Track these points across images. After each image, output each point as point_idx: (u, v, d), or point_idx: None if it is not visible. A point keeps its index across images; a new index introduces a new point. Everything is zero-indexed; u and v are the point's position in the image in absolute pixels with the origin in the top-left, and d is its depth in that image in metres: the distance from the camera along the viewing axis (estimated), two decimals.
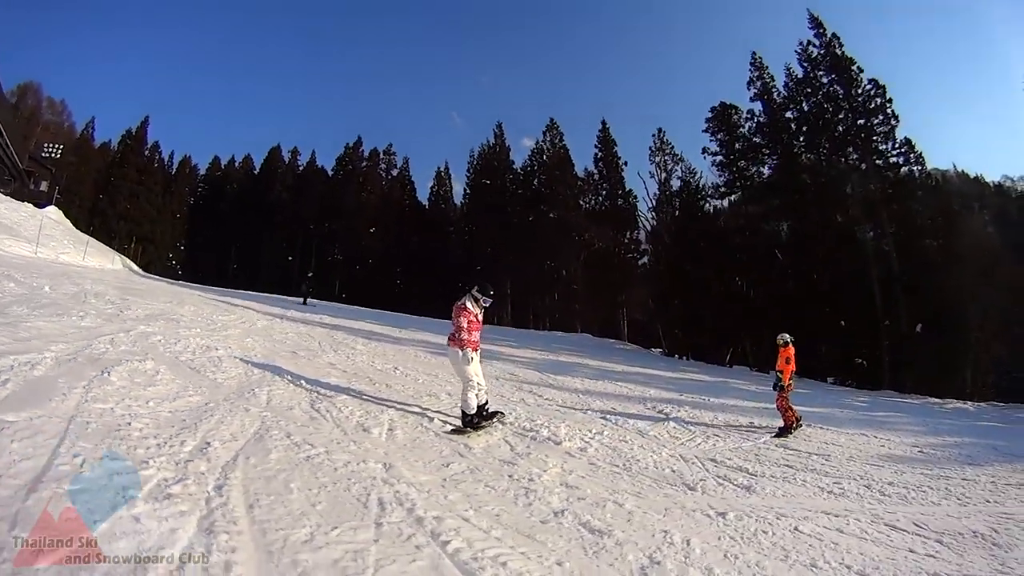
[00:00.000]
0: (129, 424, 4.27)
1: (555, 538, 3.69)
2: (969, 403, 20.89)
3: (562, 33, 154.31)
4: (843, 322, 29.79)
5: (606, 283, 47.46)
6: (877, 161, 33.15)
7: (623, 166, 53.19)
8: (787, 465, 7.00)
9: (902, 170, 33.28)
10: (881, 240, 31.47)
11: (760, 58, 40.71)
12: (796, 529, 4.61)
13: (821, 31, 37.34)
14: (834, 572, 3.88)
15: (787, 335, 9.69)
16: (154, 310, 11.94)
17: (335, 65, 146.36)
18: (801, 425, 9.37)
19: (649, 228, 45.88)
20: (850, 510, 5.40)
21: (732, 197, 40.56)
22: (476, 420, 6.39)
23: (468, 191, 64.57)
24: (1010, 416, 17.39)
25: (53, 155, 48.87)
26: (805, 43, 37.85)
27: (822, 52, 36.89)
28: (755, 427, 9.57)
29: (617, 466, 5.91)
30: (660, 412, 9.93)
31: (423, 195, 71.71)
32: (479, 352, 6.68)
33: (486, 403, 6.71)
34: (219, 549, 2.65)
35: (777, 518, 4.84)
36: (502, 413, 7.15)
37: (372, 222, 61.99)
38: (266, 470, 3.90)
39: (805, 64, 37.54)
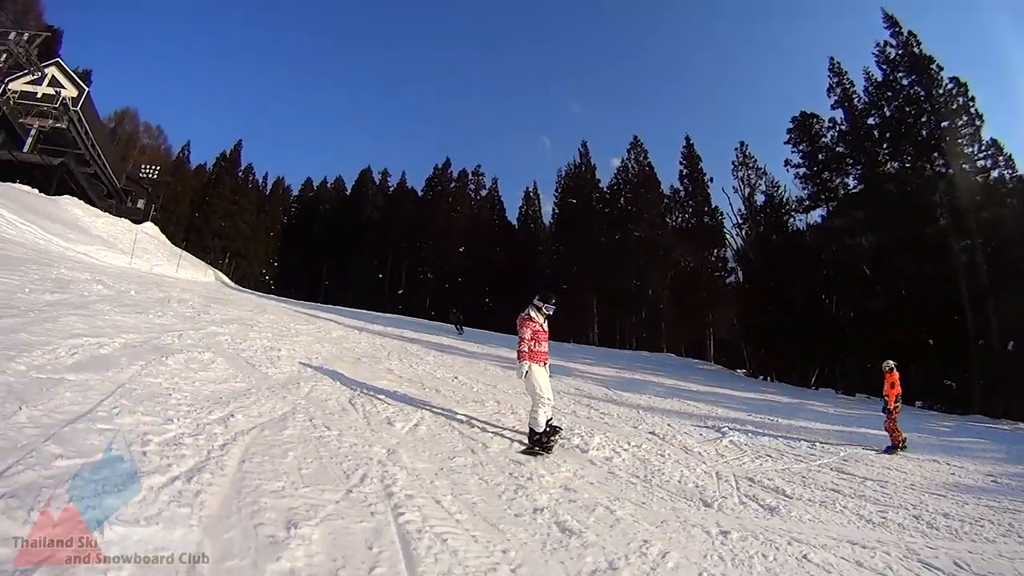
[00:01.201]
0: (170, 395, 5.07)
1: (519, 530, 3.77)
2: None
3: (646, 50, 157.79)
4: (931, 341, 28.82)
5: (692, 302, 47.77)
6: (964, 166, 32.12)
7: (708, 182, 53.46)
8: (833, 489, 6.74)
9: (992, 174, 32.19)
10: (972, 252, 30.27)
11: (839, 63, 40.40)
12: (804, 557, 4.28)
13: (897, 30, 36.64)
14: None
15: (891, 361, 11.16)
16: (231, 316, 13.21)
17: (427, 90, 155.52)
18: (906, 447, 10.34)
19: (735, 245, 45.50)
20: (884, 542, 5.03)
21: (819, 210, 40.09)
22: (544, 439, 6.31)
23: (556, 211, 66.21)
24: None
25: (150, 176, 54.29)
26: (882, 44, 37.31)
27: (900, 52, 36.22)
28: (817, 451, 9.52)
29: (637, 477, 5.90)
30: (717, 430, 10.00)
31: (512, 215, 74.36)
32: (547, 365, 6.67)
33: (551, 418, 6.63)
34: (198, 482, 3.30)
35: (789, 543, 4.51)
36: (559, 428, 6.92)
37: (461, 241, 64.50)
38: (274, 441, 4.53)
39: (884, 66, 36.93)
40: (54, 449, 3.22)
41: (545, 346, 6.65)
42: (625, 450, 7.08)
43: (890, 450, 10.12)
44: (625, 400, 12.73)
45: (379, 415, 6.41)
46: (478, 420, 7.25)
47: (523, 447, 6.23)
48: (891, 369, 11.02)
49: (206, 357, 7.20)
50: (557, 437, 6.54)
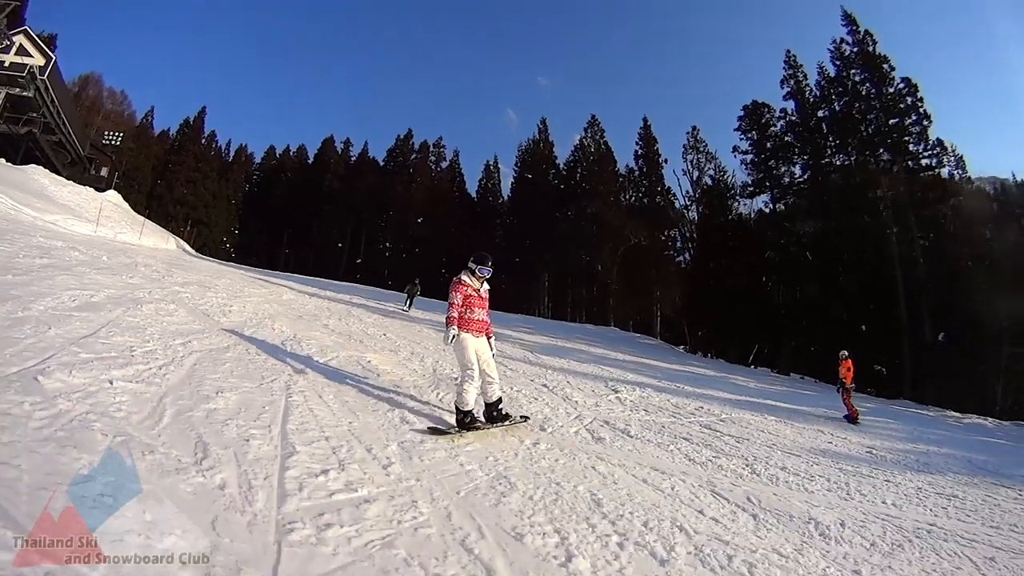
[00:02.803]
0: (145, 329, 7.17)
1: (369, 417, 5.70)
2: (990, 419, 21.11)
3: (614, 33, 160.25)
4: (863, 327, 30.85)
5: (641, 279, 50.10)
6: (909, 163, 34.19)
7: (663, 163, 56.01)
8: (683, 437, 7.72)
9: (939, 172, 34.32)
10: (910, 245, 32.23)
11: (794, 56, 42.40)
12: (592, 468, 5.37)
13: (854, 28, 38.62)
14: (574, 497, 4.50)
15: (845, 351, 14.49)
16: (191, 279, 15.18)
17: (391, 59, 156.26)
18: (859, 421, 13.26)
19: (682, 226, 48.14)
20: (689, 474, 5.84)
21: (764, 197, 42.26)
22: (470, 420, 5.89)
23: (513, 185, 69.32)
24: None
25: (113, 142, 55.07)
26: (838, 40, 39.39)
27: (855, 50, 38.26)
28: (701, 412, 10.52)
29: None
30: (613, 389, 11.34)
31: (474, 187, 77.02)
32: (486, 337, 6.31)
33: (498, 400, 6.34)
34: (165, 369, 5.54)
35: (589, 459, 5.67)
36: (526, 418, 6.82)
37: (420, 212, 66.98)
38: (218, 357, 6.68)
39: (838, 62, 39.05)
40: (76, 349, 5.36)
41: (480, 314, 6.26)
42: (505, 392, 7.45)
43: (848, 419, 13.15)
44: (541, 362, 14.13)
45: (302, 351, 8.52)
46: (385, 364, 9.13)
47: (429, 426, 5.83)
48: (845, 357, 14.23)
49: (171, 308, 9.28)
50: (508, 423, 6.34)
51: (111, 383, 4.69)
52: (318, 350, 8.94)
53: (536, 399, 8.60)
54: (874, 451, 9.67)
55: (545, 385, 10.25)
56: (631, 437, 7.17)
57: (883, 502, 6.24)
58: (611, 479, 5.17)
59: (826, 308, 32.83)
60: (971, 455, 10.83)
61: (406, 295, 25.66)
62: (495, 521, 3.70)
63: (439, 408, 6.67)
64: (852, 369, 14.24)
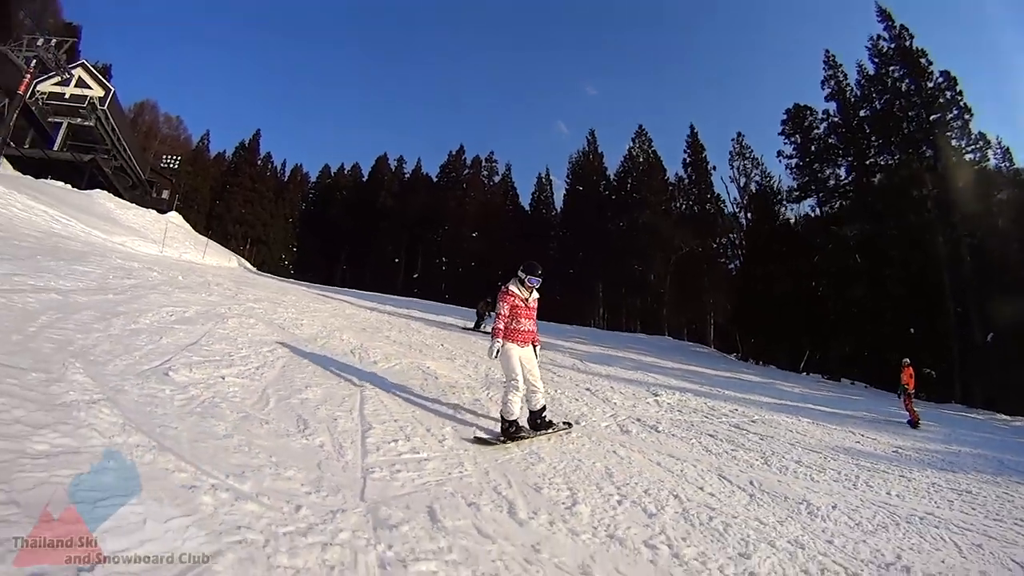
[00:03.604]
0: (235, 339, 8.59)
1: (429, 413, 7.17)
2: None
3: (656, 39, 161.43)
4: (912, 330, 30.77)
5: (694, 287, 50.65)
6: (952, 159, 33.80)
7: (712, 170, 56.61)
8: (709, 434, 8.43)
9: (984, 166, 33.89)
10: (957, 244, 31.96)
11: (833, 56, 42.52)
12: (614, 452, 6.30)
13: (890, 23, 38.62)
14: (590, 469, 5.48)
15: (906, 359, 15.69)
16: (261, 296, 16.74)
17: (442, 75, 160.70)
18: (919, 423, 14.25)
19: (732, 233, 48.53)
20: (701, 461, 6.57)
21: (810, 200, 42.36)
22: (515, 430, 6.10)
23: (565, 197, 71.31)
24: None
25: (171, 166, 58.78)
26: (875, 37, 39.42)
27: (892, 46, 38.26)
28: (735, 414, 11.11)
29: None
30: (653, 393, 12.20)
31: (526, 197, 79.39)
32: (533, 346, 6.47)
33: (542, 408, 6.51)
34: (261, 370, 6.95)
35: (613, 445, 6.59)
36: (568, 424, 7.10)
37: (474, 227, 69.23)
38: (301, 361, 8.06)
39: (876, 60, 39.06)
40: (187, 354, 6.75)
41: (527, 324, 6.37)
42: (548, 395, 8.15)
43: (911, 423, 14.16)
44: (588, 369, 14.95)
45: (369, 358, 9.85)
46: (442, 369, 10.35)
47: (476, 436, 6.03)
48: (907, 364, 15.36)
49: (250, 322, 10.75)
50: (552, 432, 6.58)
51: (223, 378, 6.09)
52: (383, 357, 10.22)
53: (576, 400, 9.49)
54: (901, 450, 10.04)
55: (588, 389, 11.12)
56: (658, 432, 7.98)
57: (887, 493, 6.69)
58: (627, 460, 6.11)
59: (875, 311, 32.92)
60: (1005, 456, 11.00)
61: (476, 314, 24.23)
62: (521, 479, 4.92)
63: (487, 404, 7.82)
64: (913, 375, 15.22)
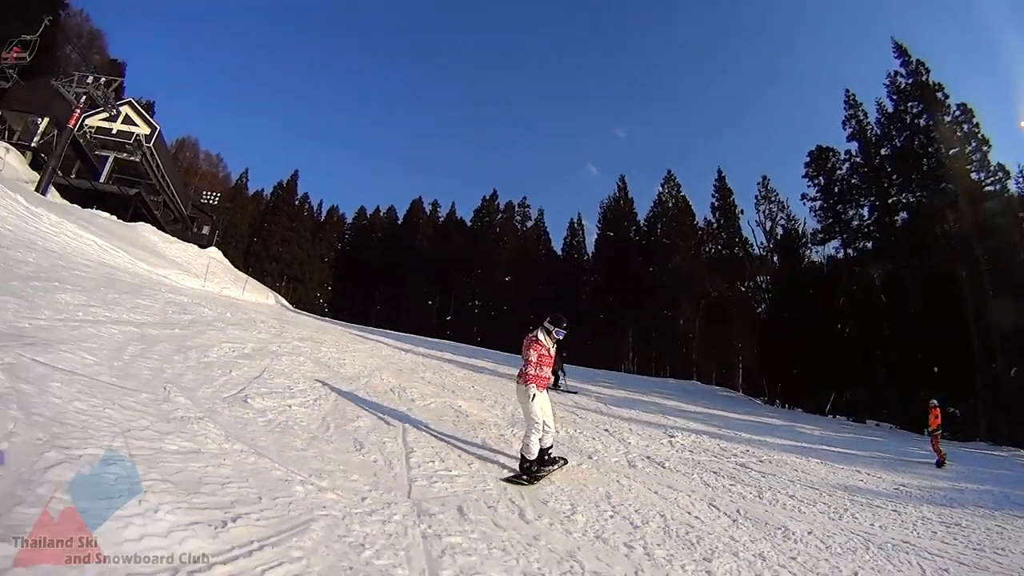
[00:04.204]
0: (292, 374, 9.97)
1: (461, 445, 8.76)
2: None
3: (685, 81, 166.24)
4: (936, 368, 30.93)
5: (722, 331, 51.62)
6: (972, 192, 34.26)
7: (740, 214, 57.59)
8: (712, 471, 9.18)
9: (1004, 195, 34.26)
10: (979, 279, 32.18)
11: (854, 96, 43.29)
12: (618, 482, 7.27)
13: (907, 59, 39.43)
14: (593, 493, 6.48)
15: (934, 400, 16.36)
16: (304, 335, 18.16)
17: (476, 123, 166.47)
18: (945, 463, 14.92)
19: (760, 277, 49.61)
20: (695, 492, 7.46)
21: (835, 242, 42.91)
22: (535, 467, 6.65)
23: (596, 243, 73.53)
24: None
25: (211, 202, 62.03)
26: (893, 74, 40.17)
27: (909, 82, 38.93)
28: (745, 454, 11.73)
29: (563, 445, 8.93)
30: (669, 434, 13.07)
31: (558, 241, 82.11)
32: (547, 390, 6.95)
33: (550, 447, 6.99)
34: (318, 402, 8.32)
35: (618, 476, 7.59)
36: (564, 460, 7.57)
37: (507, 271, 71.24)
38: (350, 397, 9.36)
39: (894, 96, 39.77)
40: (256, 385, 8.13)
41: (547, 371, 6.83)
42: (569, 434, 10.10)
43: (939, 464, 14.79)
44: (611, 412, 15.60)
45: (407, 395, 11.12)
46: (473, 408, 11.46)
47: (507, 475, 6.59)
48: (935, 405, 16.00)
49: (300, 359, 12.11)
50: (556, 467, 7.18)
51: (290, 407, 7.43)
52: (419, 396, 11.47)
53: (593, 439, 10.30)
54: (903, 488, 10.46)
55: (607, 430, 11.95)
56: (663, 468, 8.83)
57: (871, 524, 7.27)
58: (628, 489, 7.08)
59: (899, 351, 33.29)
60: (1016, 491, 11.33)
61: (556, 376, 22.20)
62: (533, 495, 6.11)
63: (511, 439, 8.96)
64: (940, 416, 15.82)
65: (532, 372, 6.59)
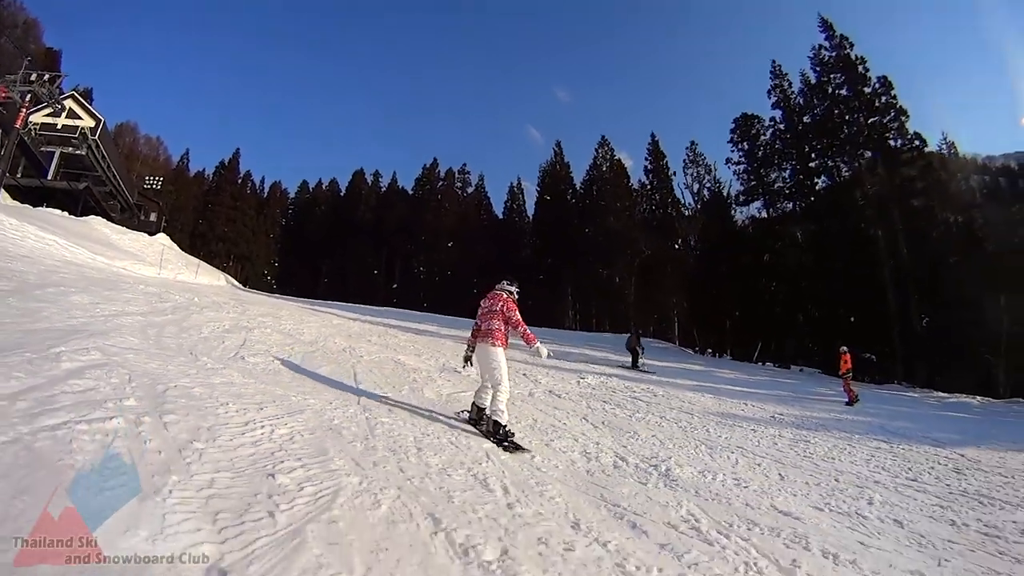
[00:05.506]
0: (265, 342, 13.13)
1: (399, 383, 12.22)
2: (980, 399, 23.35)
3: (626, 41, 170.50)
4: (852, 319, 35.39)
5: (657, 288, 56.13)
6: (890, 158, 38.24)
7: (672, 176, 62.08)
8: (602, 400, 12.19)
9: (922, 163, 38.01)
10: (895, 238, 36.32)
11: (779, 66, 47.63)
12: (512, 404, 11.90)
13: (832, 33, 43.48)
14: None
15: (844, 346, 18.88)
16: (264, 311, 20.95)
17: (411, 88, 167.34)
18: (859, 400, 17.45)
19: (689, 235, 54.20)
20: (575, 412, 10.40)
21: (757, 203, 47.57)
22: (508, 434, 7.06)
23: (536, 205, 77.75)
24: (1009, 411, 19.89)
25: (154, 187, 63.88)
26: (817, 47, 44.20)
27: (833, 55, 43.13)
28: (649, 391, 14.87)
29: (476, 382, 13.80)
30: (580, 376, 16.66)
31: (499, 206, 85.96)
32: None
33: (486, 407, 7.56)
34: (288, 358, 11.71)
35: (513, 403, 11.73)
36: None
37: (450, 237, 74.79)
38: (311, 352, 12.73)
39: (818, 68, 43.87)
40: (245, 350, 11.29)
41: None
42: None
43: (850, 403, 17.09)
44: (535, 361, 17.32)
45: (356, 353, 14.35)
46: (410, 360, 14.83)
47: (513, 444, 6.94)
48: (845, 351, 18.48)
49: (266, 331, 15.14)
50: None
51: (273, 361, 10.66)
52: (366, 353, 14.74)
53: (510, 380, 13.88)
54: (779, 416, 12.24)
55: (524, 375, 14.50)
56: (559, 398, 11.85)
57: (719, 436, 9.34)
58: (518, 408, 10.36)
59: (819, 304, 37.80)
60: (894, 423, 12.85)
61: (628, 351, 23.91)
62: (442, 410, 9.58)
63: (437, 379, 12.46)
64: (849, 361, 18.24)
65: (503, 330, 7.27)
